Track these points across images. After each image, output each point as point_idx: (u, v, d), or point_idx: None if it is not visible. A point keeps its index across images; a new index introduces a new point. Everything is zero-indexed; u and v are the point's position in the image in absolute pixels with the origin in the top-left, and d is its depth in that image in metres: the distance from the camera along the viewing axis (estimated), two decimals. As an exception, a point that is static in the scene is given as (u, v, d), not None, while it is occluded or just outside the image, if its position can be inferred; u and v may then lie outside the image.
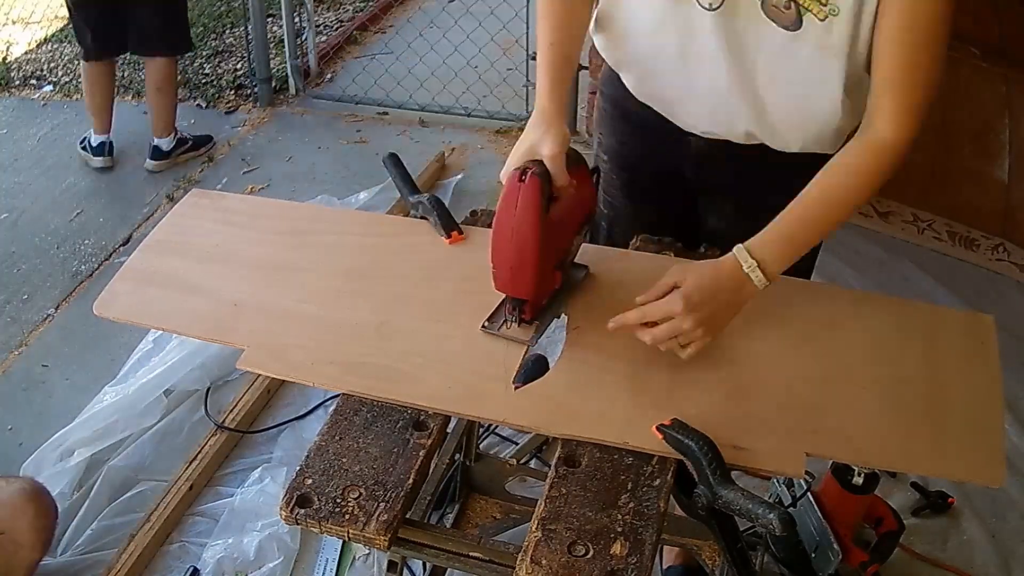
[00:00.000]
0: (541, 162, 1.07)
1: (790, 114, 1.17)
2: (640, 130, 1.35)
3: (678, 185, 1.38)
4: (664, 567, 1.70)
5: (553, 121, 1.12)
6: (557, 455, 1.05)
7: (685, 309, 1.03)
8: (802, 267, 1.29)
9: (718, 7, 1.09)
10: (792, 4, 1.07)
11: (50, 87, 3.61)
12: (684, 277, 1.06)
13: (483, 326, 1.15)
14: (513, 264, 1.07)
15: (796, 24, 1.08)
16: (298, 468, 1.05)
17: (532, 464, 1.93)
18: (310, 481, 1.04)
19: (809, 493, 1.62)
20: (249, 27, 3.31)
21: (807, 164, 1.12)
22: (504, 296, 1.14)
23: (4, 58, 3.82)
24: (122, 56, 3.74)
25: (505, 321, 1.15)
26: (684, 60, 1.17)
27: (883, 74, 1.06)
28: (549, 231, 1.07)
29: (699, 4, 1.10)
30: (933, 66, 1.07)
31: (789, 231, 1.08)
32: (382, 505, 1.01)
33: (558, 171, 1.07)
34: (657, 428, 1.00)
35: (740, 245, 1.07)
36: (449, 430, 1.36)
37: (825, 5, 1.05)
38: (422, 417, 1.11)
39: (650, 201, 1.44)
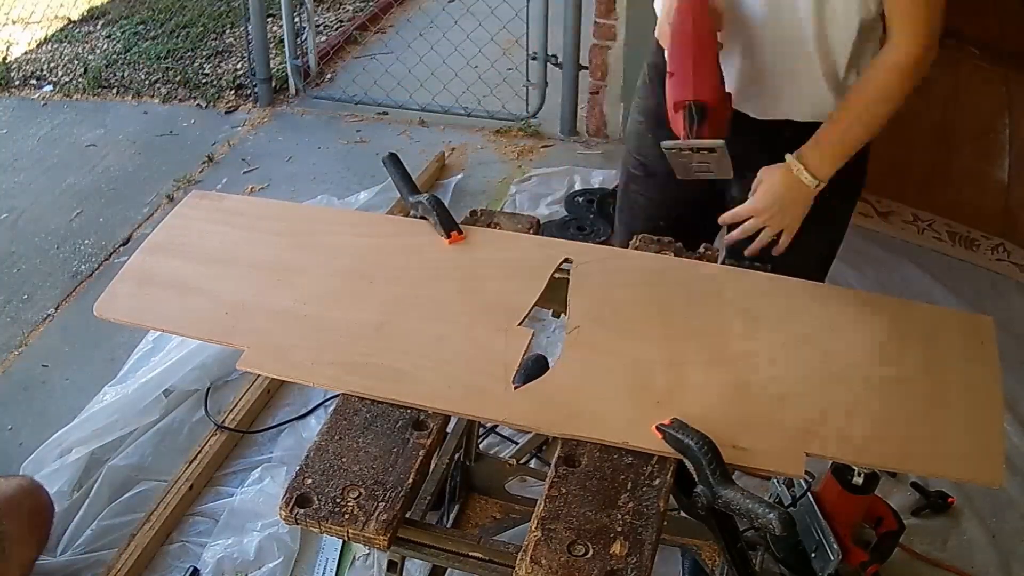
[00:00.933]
0: None
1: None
2: None
3: None
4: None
5: None
6: (557, 455, 1.06)
7: (756, 210, 1.33)
8: (814, 273, 1.43)
9: None
10: None
11: (50, 87, 3.61)
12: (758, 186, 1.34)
13: (665, 147, 1.22)
14: (696, 67, 1.16)
15: None
16: (298, 468, 1.06)
17: (532, 464, 1.93)
18: (310, 481, 1.04)
19: (809, 493, 1.62)
20: (249, 27, 3.31)
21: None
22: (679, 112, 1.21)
23: (4, 58, 3.82)
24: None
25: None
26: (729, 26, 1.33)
27: (892, 10, 1.23)
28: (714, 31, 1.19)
29: None
30: None
31: (828, 138, 1.29)
32: (382, 505, 1.01)
33: None
34: (657, 428, 1.00)
35: (790, 154, 1.30)
36: (449, 430, 1.36)
37: None
38: (422, 417, 1.11)
39: None
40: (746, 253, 1.34)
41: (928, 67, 1.24)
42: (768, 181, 1.33)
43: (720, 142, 1.19)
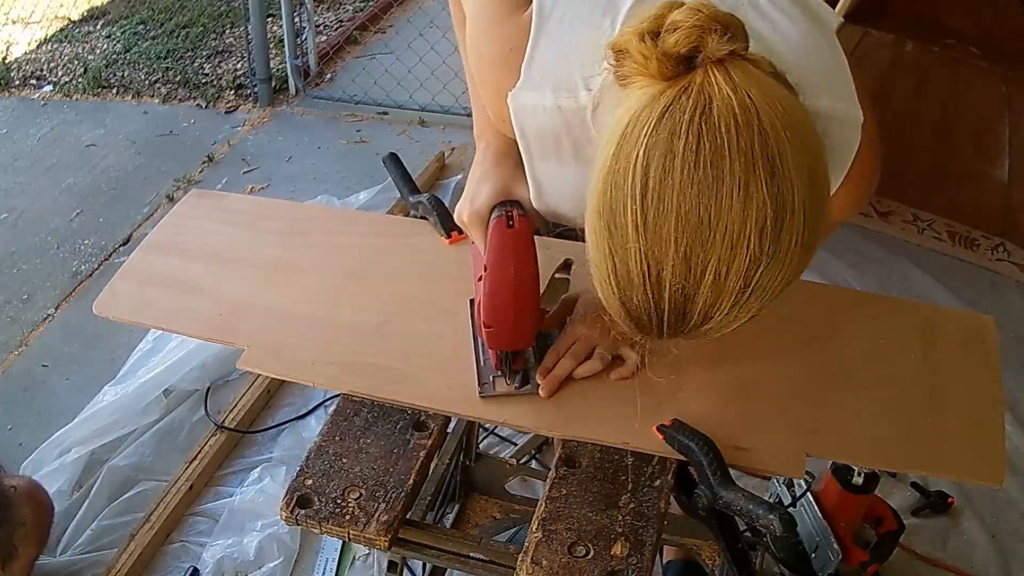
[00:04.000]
0: (518, 202, 1.01)
1: None
2: None
3: None
4: (664, 561, 1.71)
5: (513, 155, 1.03)
6: (557, 455, 1.06)
7: (587, 328, 1.07)
8: None
9: None
10: None
11: (50, 87, 3.61)
12: (574, 304, 1.11)
13: (480, 394, 1.07)
14: (516, 319, 1.00)
15: None
16: (298, 469, 1.06)
17: (532, 464, 1.93)
18: (310, 482, 1.04)
19: (809, 493, 1.62)
20: (249, 27, 3.31)
21: None
22: (479, 355, 1.10)
23: (4, 58, 3.82)
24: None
25: (496, 378, 1.08)
26: None
27: None
28: (538, 274, 1.02)
29: None
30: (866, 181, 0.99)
31: None
32: (382, 506, 1.01)
33: (535, 210, 1.02)
34: (657, 428, 1.00)
35: None
36: (449, 430, 1.36)
37: None
38: (422, 417, 1.11)
39: None
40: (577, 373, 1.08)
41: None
42: (586, 292, 1.10)
43: (528, 388, 1.07)
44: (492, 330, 1.01)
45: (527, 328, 1.02)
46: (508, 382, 1.07)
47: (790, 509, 1.62)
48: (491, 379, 1.08)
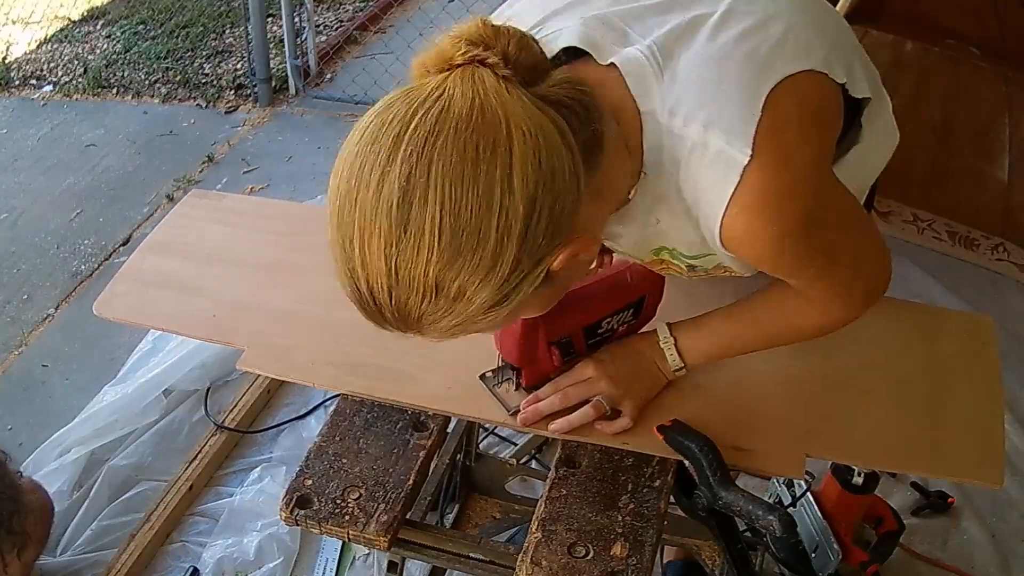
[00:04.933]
0: None
1: None
2: None
3: None
4: (664, 561, 1.71)
5: None
6: (557, 456, 1.06)
7: (596, 371, 1.03)
8: None
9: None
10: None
11: (50, 87, 3.61)
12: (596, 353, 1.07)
13: (483, 375, 1.08)
14: (521, 345, 1.00)
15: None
16: (298, 469, 1.06)
17: (532, 464, 1.93)
18: (310, 482, 1.04)
19: (809, 493, 1.62)
20: (249, 27, 3.31)
21: None
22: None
23: (4, 58, 3.82)
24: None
25: (505, 380, 1.08)
26: None
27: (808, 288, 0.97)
28: None
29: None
30: (854, 259, 1.00)
31: (714, 329, 1.04)
32: (382, 506, 1.01)
33: None
34: (657, 429, 1.00)
35: (662, 322, 1.06)
36: (449, 430, 1.36)
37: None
38: (422, 418, 1.11)
39: None
40: (552, 428, 1.03)
41: (843, 325, 1.03)
42: (624, 343, 1.07)
43: (516, 406, 1.06)
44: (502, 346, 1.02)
45: (514, 345, 1.01)
46: (508, 387, 1.06)
47: (790, 509, 1.62)
48: (501, 378, 1.08)
